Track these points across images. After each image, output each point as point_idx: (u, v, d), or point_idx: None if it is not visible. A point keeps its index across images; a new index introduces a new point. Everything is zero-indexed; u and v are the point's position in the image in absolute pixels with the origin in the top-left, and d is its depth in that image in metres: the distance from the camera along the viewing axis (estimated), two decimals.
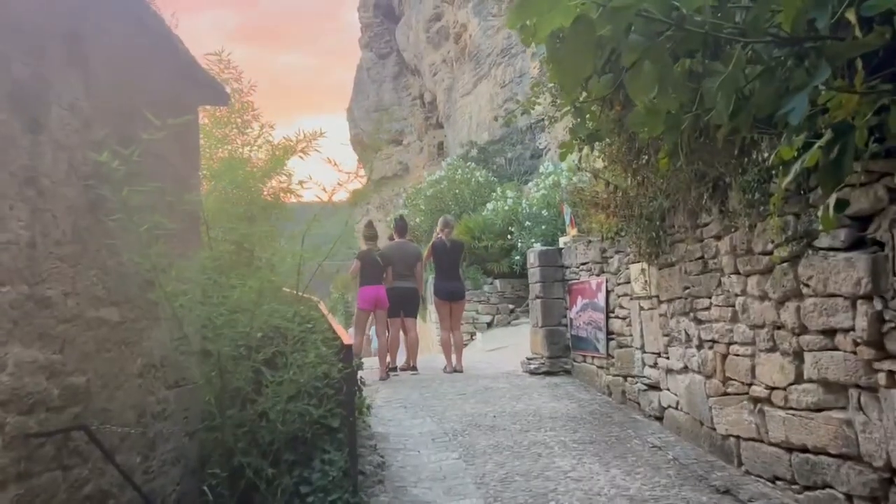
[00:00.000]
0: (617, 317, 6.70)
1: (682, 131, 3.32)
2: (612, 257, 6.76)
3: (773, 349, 4.19)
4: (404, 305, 8.58)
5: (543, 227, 13.11)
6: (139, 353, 4.72)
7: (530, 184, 14.74)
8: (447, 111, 26.75)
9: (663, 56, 2.45)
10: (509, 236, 13.56)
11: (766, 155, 4.03)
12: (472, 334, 12.80)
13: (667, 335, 5.64)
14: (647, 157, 5.57)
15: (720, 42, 2.91)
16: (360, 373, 6.18)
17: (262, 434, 4.25)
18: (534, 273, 8.31)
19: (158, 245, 3.86)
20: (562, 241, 8.53)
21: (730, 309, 4.63)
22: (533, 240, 12.76)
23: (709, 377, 4.97)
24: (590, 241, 7.29)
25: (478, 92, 22.95)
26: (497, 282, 13.59)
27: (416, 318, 8.85)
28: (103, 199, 4.04)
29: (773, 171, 3.88)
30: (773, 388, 4.20)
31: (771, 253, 4.05)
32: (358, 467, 4.46)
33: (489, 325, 13.27)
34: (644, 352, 6.11)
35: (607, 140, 5.87)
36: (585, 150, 5.96)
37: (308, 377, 4.53)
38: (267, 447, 4.22)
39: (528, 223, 13.41)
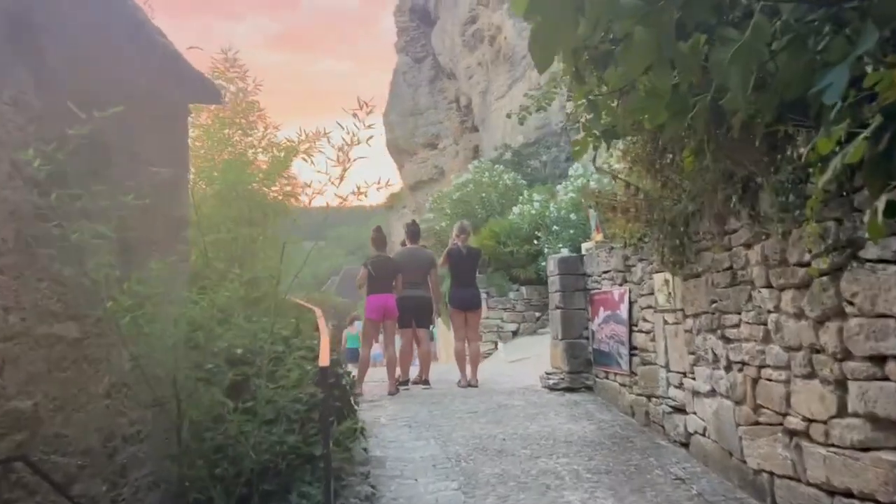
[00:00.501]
0: (640, 331, 6.14)
1: (695, 119, 2.80)
2: (635, 266, 6.20)
3: (811, 375, 3.62)
4: (416, 315, 8.10)
5: (572, 231, 12.55)
6: (107, 370, 4.33)
7: (559, 186, 14.17)
8: (482, 114, 26.47)
9: (661, 22, 1.95)
10: (536, 241, 13.02)
11: (801, 151, 3.46)
12: (496, 343, 12.27)
13: (693, 353, 5.08)
14: (671, 156, 5.04)
15: (738, 6, 2.39)
16: (354, 391, 5.74)
17: (227, 466, 3.81)
18: (553, 281, 7.77)
19: (102, 254, 3.45)
20: (584, 247, 7.98)
21: (761, 327, 4.06)
22: (560, 245, 12.20)
23: (738, 403, 4.40)
24: (612, 248, 6.74)
25: (512, 95, 22.51)
26: (523, 288, 13.04)
27: (429, 328, 8.37)
28: (57, 205, 3.65)
29: (811, 170, 3.32)
30: (811, 421, 3.63)
31: (808, 264, 3.49)
32: (339, 501, 4.00)
33: (514, 333, 12.72)
34: (669, 370, 5.55)
35: (630, 138, 5.37)
36: (603, 148, 5.46)
37: (286, 400, 4.10)
38: (232, 479, 3.78)
39: (555, 227, 12.86)
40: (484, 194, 15.88)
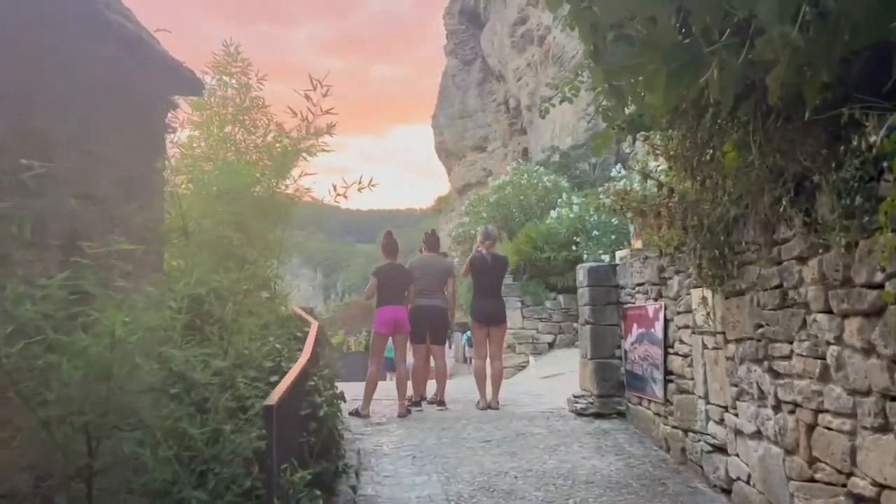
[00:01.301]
0: (677, 353, 5.33)
1: (727, 89, 2.04)
2: (671, 278, 5.40)
3: (883, 429, 2.81)
4: (431, 329, 7.40)
5: (613, 236, 11.72)
6: (47, 398, 3.76)
7: (600, 189, 13.32)
8: (531, 116, 25.89)
9: None
10: (574, 247, 12.21)
11: (872, 139, 2.66)
12: (529, 356, 11.50)
13: (735, 385, 4.27)
14: (711, 151, 4.25)
15: None
16: (342, 424, 5.09)
17: None
18: (583, 294, 6.99)
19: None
20: (618, 255, 7.19)
21: (818, 362, 3.26)
22: (601, 251, 11.39)
23: (789, 452, 3.59)
24: (646, 258, 5.93)
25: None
26: (560, 297, 12.22)
27: (444, 344, 7.67)
28: None
29: (885, 163, 2.53)
30: (883, 487, 2.82)
31: (881, 286, 2.69)
32: None
33: (550, 345, 11.92)
34: (708, 402, 4.74)
35: (671, 132, 4.62)
36: (630, 141, 4.71)
37: (241, 439, 3.46)
38: None
39: (595, 232, 12.04)
40: (522, 197, 15.11)
